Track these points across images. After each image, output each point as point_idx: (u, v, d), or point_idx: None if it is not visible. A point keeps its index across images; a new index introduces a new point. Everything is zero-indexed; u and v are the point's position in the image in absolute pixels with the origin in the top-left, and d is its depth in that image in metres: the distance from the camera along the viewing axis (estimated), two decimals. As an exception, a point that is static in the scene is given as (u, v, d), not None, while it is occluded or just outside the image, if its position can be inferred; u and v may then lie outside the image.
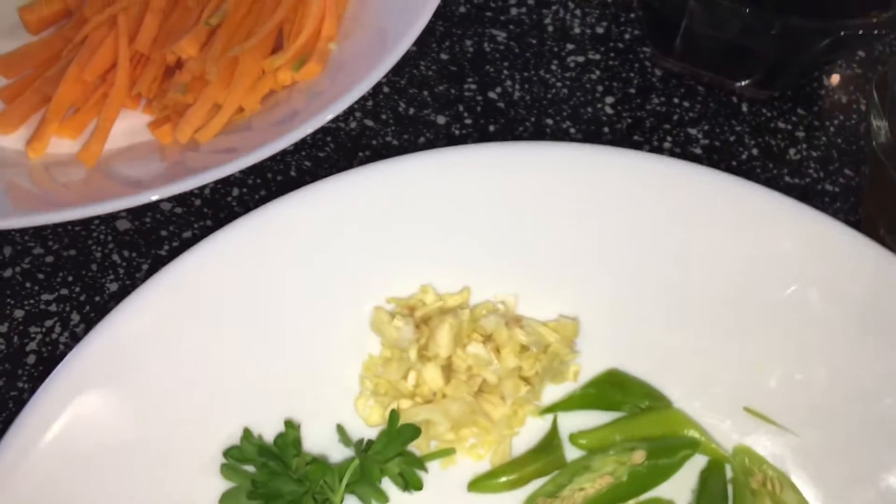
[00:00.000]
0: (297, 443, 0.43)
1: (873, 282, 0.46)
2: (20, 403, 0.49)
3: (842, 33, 0.54)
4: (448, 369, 0.47)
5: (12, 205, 0.52)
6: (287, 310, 0.46)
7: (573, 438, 0.47)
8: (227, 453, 0.42)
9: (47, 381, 0.41)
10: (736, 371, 0.48)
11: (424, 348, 0.46)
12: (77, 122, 0.56)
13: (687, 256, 0.48)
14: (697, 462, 0.47)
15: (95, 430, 0.41)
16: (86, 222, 0.55)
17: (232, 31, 0.56)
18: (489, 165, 0.48)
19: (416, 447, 0.46)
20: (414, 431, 0.44)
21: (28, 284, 0.53)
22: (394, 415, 0.45)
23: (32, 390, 0.49)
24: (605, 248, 0.49)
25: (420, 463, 0.45)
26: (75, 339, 0.51)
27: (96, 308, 0.52)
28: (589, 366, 0.49)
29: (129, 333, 0.42)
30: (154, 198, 0.49)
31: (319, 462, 0.42)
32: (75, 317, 0.52)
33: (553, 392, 0.49)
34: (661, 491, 0.46)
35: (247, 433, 0.43)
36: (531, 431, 0.48)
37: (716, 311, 0.48)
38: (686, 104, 0.65)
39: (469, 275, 0.49)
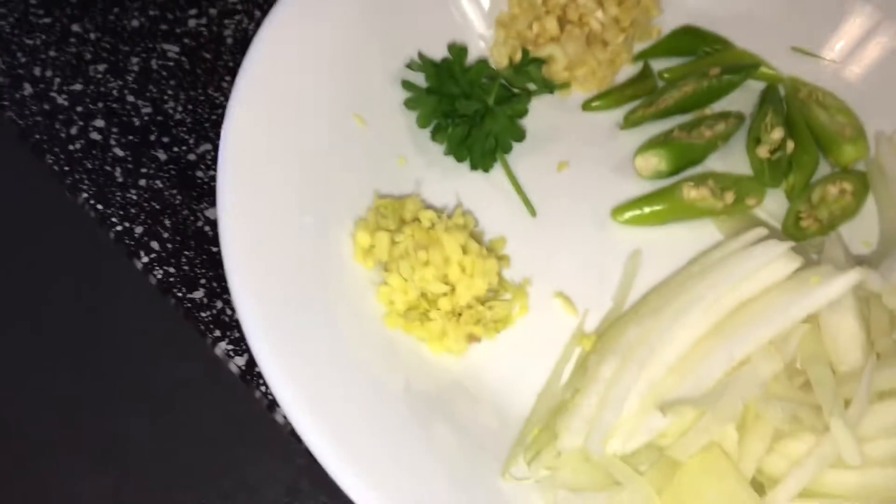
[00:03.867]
0: (463, 55, 0.56)
1: None
2: (227, 70, 0.62)
3: None
4: (563, 20, 0.60)
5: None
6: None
7: (660, 73, 0.61)
8: (409, 65, 0.56)
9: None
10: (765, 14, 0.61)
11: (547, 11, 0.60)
12: None
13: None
14: (757, 86, 0.61)
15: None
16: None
17: None
18: None
19: (541, 81, 0.59)
20: (540, 61, 0.58)
21: (218, -8, 0.66)
22: (525, 50, 0.58)
23: (234, 62, 0.63)
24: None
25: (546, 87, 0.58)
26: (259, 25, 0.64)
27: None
28: (668, 27, 0.63)
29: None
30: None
31: (482, 61, 0.56)
32: (257, 13, 0.65)
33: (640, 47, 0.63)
34: (731, 106, 0.60)
35: (421, 54, 0.57)
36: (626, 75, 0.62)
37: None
38: None
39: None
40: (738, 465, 0.42)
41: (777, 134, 0.56)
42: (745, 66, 0.59)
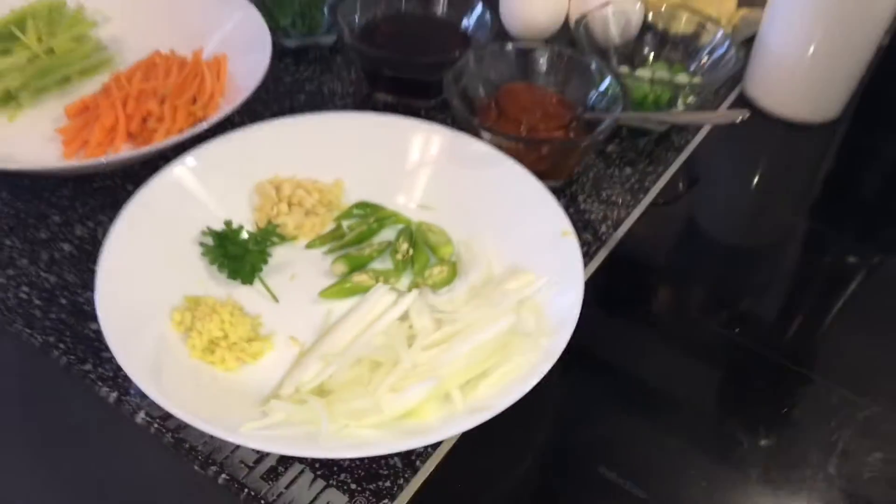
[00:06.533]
0: (236, 229, 1.05)
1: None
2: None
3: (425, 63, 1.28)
4: (291, 204, 1.11)
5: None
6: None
7: (349, 227, 1.12)
8: (204, 233, 1.05)
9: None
10: (402, 190, 1.15)
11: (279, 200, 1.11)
12: (103, 149, 1.20)
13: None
14: (399, 226, 1.13)
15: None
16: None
17: (173, 97, 1.22)
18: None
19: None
20: (276, 226, 1.08)
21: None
22: (268, 221, 1.08)
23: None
24: (345, 151, 1.16)
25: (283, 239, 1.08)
26: (120, 228, 1.11)
27: (127, 217, 1.13)
28: (351, 201, 1.15)
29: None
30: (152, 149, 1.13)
31: (241, 226, 1.06)
32: (118, 221, 1.13)
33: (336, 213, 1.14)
34: (384, 237, 1.11)
35: (206, 231, 1.06)
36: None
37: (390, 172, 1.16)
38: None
39: (289, 168, 1.15)
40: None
41: (405, 246, 1.07)
42: (389, 216, 1.12)
